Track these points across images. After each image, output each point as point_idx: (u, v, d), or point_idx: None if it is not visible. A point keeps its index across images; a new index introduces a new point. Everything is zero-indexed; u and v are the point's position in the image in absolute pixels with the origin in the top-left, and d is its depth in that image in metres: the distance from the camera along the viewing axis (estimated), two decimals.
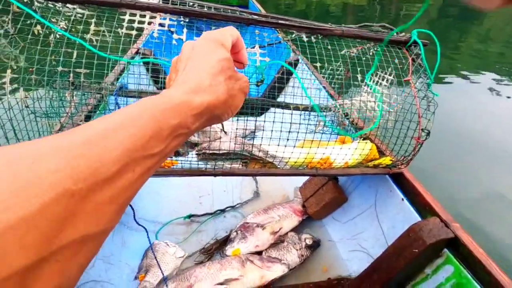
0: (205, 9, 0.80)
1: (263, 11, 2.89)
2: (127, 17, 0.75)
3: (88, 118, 0.97)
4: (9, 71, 0.66)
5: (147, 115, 0.22)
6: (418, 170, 1.02)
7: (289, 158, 0.87)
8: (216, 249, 1.14)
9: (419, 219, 0.91)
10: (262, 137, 0.84)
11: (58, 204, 0.15)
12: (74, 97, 0.83)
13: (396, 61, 0.87)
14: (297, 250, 1.15)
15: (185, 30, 0.78)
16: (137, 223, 0.88)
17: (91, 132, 0.19)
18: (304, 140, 0.85)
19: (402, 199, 0.99)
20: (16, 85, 0.69)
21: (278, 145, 0.86)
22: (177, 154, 0.96)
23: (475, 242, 0.76)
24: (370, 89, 0.98)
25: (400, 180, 1.01)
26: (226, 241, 1.18)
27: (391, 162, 0.97)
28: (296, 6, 8.85)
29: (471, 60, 4.43)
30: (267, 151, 0.88)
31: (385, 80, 0.95)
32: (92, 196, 0.17)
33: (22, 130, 0.71)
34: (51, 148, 0.16)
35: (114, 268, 1.05)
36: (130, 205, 0.87)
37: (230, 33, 0.32)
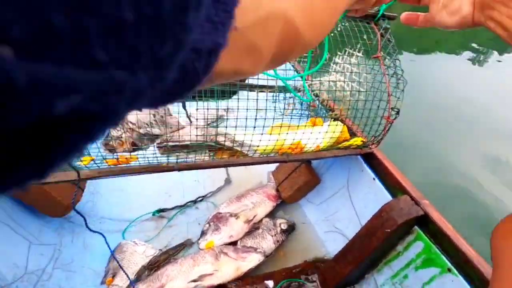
0: None
1: None
2: None
3: None
4: None
5: None
6: (390, 147, 1.02)
7: (258, 145, 0.81)
8: (164, 260, 1.03)
9: (390, 198, 0.92)
10: (226, 125, 0.77)
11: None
12: None
13: (365, 36, 0.82)
14: (272, 236, 1.13)
15: None
16: (90, 230, 0.79)
17: None
18: (272, 126, 0.80)
19: (374, 179, 0.99)
20: None
21: (246, 132, 0.80)
22: (136, 148, 0.87)
23: (444, 218, 0.78)
24: (339, 67, 0.94)
25: (371, 160, 1.01)
26: (179, 248, 1.08)
27: (362, 142, 0.96)
28: None
29: (449, 35, 4.54)
30: (234, 138, 0.82)
31: (354, 56, 0.91)
32: None
33: None
34: None
35: (76, 275, 0.97)
36: (80, 214, 0.77)
37: None
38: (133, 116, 0.82)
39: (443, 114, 2.50)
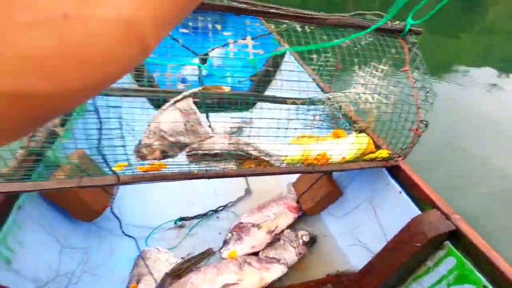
0: None
1: None
2: None
3: (64, 121, 0.88)
4: None
5: None
6: (415, 162, 1.01)
7: (286, 155, 0.83)
8: (186, 268, 1.03)
9: (418, 212, 0.90)
10: (249, 135, 0.79)
11: None
12: None
13: (393, 51, 0.84)
14: (294, 247, 1.12)
15: None
16: (124, 233, 0.82)
17: None
18: (298, 136, 0.81)
19: (400, 192, 0.98)
20: None
21: (274, 143, 0.82)
22: (166, 156, 0.90)
23: (477, 233, 0.76)
24: (364, 80, 0.95)
25: (396, 173, 1.00)
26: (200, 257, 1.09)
27: (388, 155, 0.95)
28: None
29: (473, 52, 4.46)
30: (262, 149, 0.83)
31: (380, 70, 0.92)
32: None
33: None
34: None
35: (103, 279, 0.98)
36: (116, 216, 0.80)
37: None
38: (165, 125, 0.85)
39: (472, 126, 2.45)
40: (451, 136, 2.36)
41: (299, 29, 0.81)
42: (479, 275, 0.72)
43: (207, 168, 0.82)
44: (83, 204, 0.93)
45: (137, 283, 1.00)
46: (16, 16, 0.12)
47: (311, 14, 0.84)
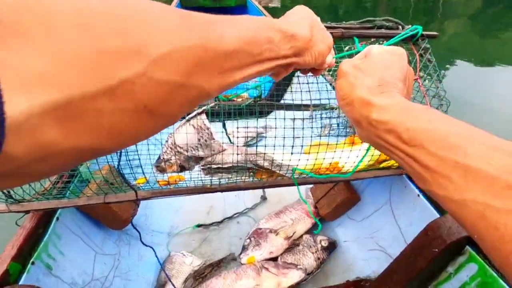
0: None
1: (263, 10, 2.83)
2: None
3: None
4: None
5: (263, 25, 0.26)
6: None
7: (297, 165, 0.84)
8: (209, 272, 1.10)
9: (437, 215, 0.88)
10: (265, 145, 0.81)
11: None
12: None
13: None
14: (313, 253, 1.13)
15: None
16: (144, 244, 0.88)
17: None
18: (311, 145, 0.82)
19: (418, 195, 0.95)
20: None
21: (284, 152, 0.84)
22: (183, 168, 0.96)
23: None
24: None
25: None
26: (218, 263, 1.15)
27: None
28: None
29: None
30: (273, 159, 0.86)
31: None
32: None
33: None
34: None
35: (132, 283, 1.07)
36: (136, 229, 0.87)
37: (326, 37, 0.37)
38: (181, 140, 0.91)
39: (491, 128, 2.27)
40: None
41: None
42: (502, 282, 0.69)
43: (221, 182, 0.87)
44: (112, 214, 1.02)
45: (164, 286, 1.08)
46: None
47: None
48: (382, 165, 0.96)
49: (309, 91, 0.78)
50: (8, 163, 0.13)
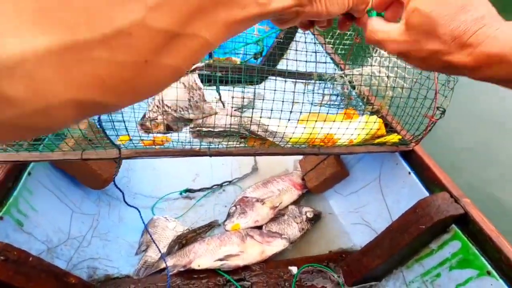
0: None
1: None
2: None
3: None
4: None
5: None
6: (428, 143, 0.95)
7: (291, 136, 0.80)
8: (191, 238, 1.06)
9: (426, 194, 0.87)
10: (261, 109, 0.76)
11: None
12: None
13: None
14: (297, 223, 1.13)
15: None
16: (127, 204, 0.84)
17: None
18: (309, 113, 0.78)
19: (409, 173, 0.95)
20: None
21: (280, 119, 0.79)
22: (169, 129, 0.89)
23: (486, 218, 0.73)
24: (381, 59, 0.89)
25: (407, 154, 0.96)
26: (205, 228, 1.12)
27: (399, 140, 0.91)
28: None
29: None
30: (267, 127, 0.81)
31: None
32: None
33: None
34: None
35: (112, 244, 1.04)
36: (119, 188, 0.82)
37: None
38: (170, 99, 0.84)
39: (491, 112, 2.28)
40: (472, 119, 2.22)
41: None
42: (483, 260, 0.71)
43: (210, 146, 0.81)
44: (90, 172, 0.96)
45: (146, 249, 1.05)
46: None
47: None
48: (377, 141, 0.94)
49: (311, 61, 0.72)
50: (9, 106, 0.13)
